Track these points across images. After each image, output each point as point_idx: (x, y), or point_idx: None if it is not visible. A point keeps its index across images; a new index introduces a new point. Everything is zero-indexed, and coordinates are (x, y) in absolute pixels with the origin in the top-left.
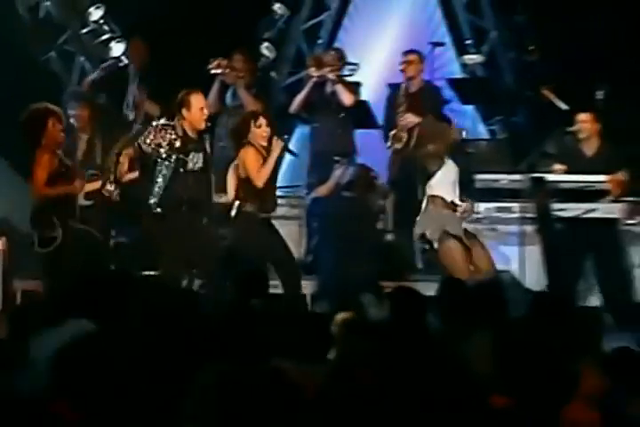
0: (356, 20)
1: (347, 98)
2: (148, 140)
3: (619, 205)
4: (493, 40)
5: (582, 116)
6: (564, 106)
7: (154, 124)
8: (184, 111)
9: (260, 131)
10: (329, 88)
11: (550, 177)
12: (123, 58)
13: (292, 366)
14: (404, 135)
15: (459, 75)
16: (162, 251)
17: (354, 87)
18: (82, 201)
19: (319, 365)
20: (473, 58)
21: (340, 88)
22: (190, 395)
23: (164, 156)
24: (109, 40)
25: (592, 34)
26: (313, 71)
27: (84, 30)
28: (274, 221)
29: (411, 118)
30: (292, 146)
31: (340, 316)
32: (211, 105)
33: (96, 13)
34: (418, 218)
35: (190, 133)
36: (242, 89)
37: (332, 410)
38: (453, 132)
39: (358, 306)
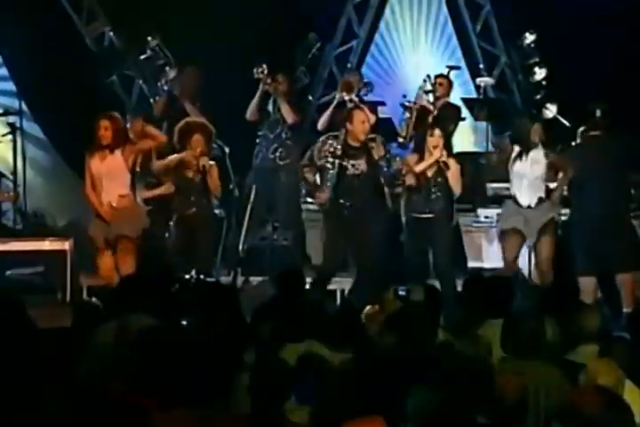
0: (381, 46)
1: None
2: (316, 151)
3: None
4: (503, 64)
5: None
6: (566, 122)
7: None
8: (347, 124)
9: None
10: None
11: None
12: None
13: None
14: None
15: (473, 95)
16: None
17: (374, 106)
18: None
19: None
20: (485, 80)
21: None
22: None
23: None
24: (165, 65)
25: (592, 57)
26: (345, 95)
27: (142, 56)
28: (312, 223)
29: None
30: None
31: (367, 309)
32: (252, 113)
33: (153, 41)
34: None
35: (352, 143)
36: (282, 98)
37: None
38: None
39: (387, 300)
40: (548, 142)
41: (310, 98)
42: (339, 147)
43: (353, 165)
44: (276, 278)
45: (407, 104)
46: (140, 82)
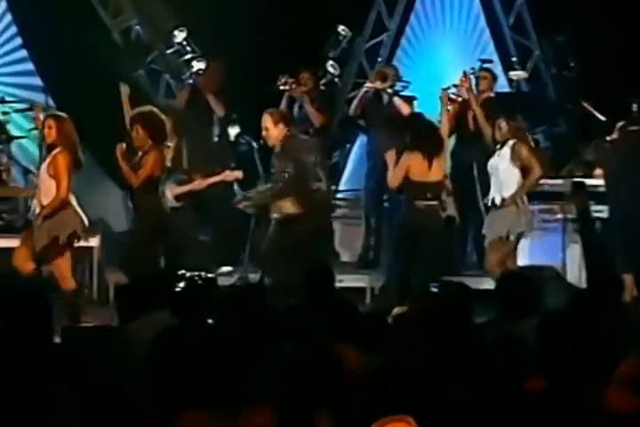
0: (412, 39)
1: (404, 109)
2: None
3: None
4: (536, 58)
5: None
6: (601, 117)
7: None
8: None
9: None
10: (386, 100)
11: (590, 181)
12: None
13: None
14: None
15: (506, 89)
16: None
17: (409, 100)
18: (173, 203)
19: (375, 353)
20: (518, 74)
21: (397, 101)
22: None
23: None
24: (191, 59)
25: (626, 50)
26: (378, 84)
27: (169, 51)
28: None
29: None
30: (352, 153)
31: (396, 309)
32: None
33: (180, 35)
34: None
35: None
36: (307, 103)
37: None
38: None
39: (415, 300)
40: (521, 138)
41: (339, 91)
42: None
43: None
44: (303, 276)
45: (452, 96)
46: (167, 76)
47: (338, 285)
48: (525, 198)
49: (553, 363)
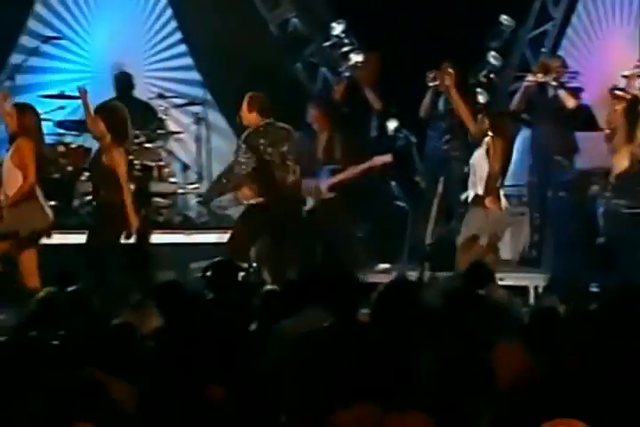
0: (578, 29)
1: (570, 102)
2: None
3: None
4: None
5: None
6: None
7: None
8: None
9: None
10: (551, 93)
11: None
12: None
13: None
14: None
15: None
16: None
17: (575, 92)
18: (327, 194)
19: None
20: None
21: (562, 93)
22: None
23: None
24: (349, 52)
25: None
26: (540, 77)
27: (327, 43)
28: None
29: None
30: (515, 147)
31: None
32: (425, 112)
33: (338, 28)
34: None
35: None
36: (453, 95)
37: None
38: None
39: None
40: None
41: (501, 82)
42: None
43: None
44: (464, 273)
45: (618, 93)
46: (324, 69)
47: (499, 283)
48: (499, 197)
49: None
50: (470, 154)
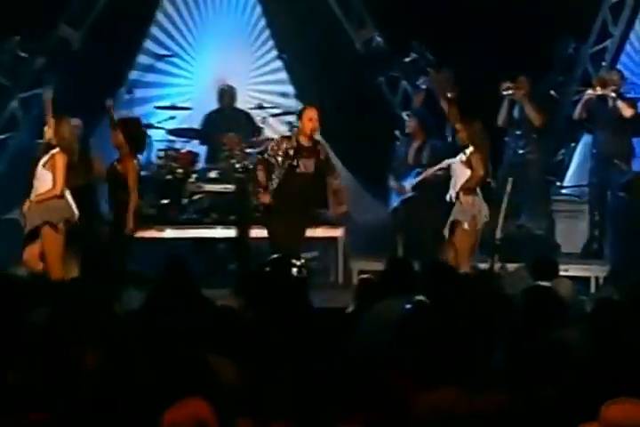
0: (635, 44)
1: (627, 111)
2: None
3: None
4: None
5: None
6: None
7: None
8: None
9: None
10: (610, 103)
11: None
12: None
13: None
14: None
15: None
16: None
17: (633, 102)
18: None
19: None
20: None
21: (620, 103)
22: None
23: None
24: (426, 67)
25: None
26: (598, 90)
27: (407, 59)
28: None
29: None
30: (577, 151)
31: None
32: (502, 121)
33: (416, 45)
34: None
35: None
36: (528, 105)
37: None
38: None
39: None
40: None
41: (564, 93)
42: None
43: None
44: (531, 265)
45: None
46: (404, 82)
47: (563, 273)
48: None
49: None
50: (546, 157)
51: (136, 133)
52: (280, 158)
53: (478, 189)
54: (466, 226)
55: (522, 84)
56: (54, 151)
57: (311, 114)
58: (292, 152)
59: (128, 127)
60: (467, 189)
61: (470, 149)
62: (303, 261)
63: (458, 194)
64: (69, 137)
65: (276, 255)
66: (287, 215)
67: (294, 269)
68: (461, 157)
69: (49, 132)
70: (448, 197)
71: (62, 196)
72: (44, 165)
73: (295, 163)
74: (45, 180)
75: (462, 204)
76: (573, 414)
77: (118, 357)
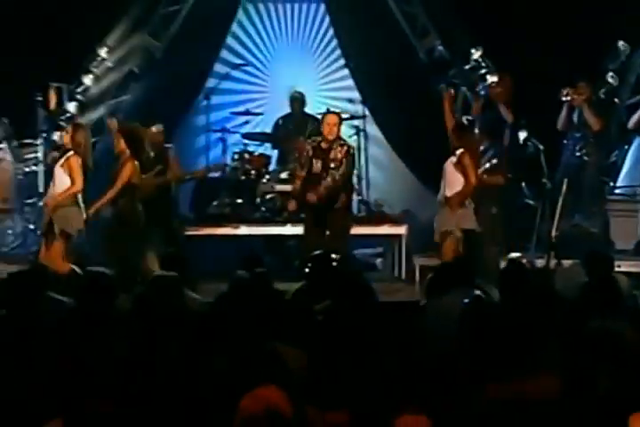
0: None
1: None
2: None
3: None
4: None
5: None
6: None
7: None
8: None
9: None
10: None
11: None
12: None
13: None
14: None
15: None
16: None
17: None
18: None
19: None
20: None
21: None
22: None
23: None
24: (485, 74)
25: None
26: None
27: (467, 66)
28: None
29: None
30: (630, 153)
31: None
32: (562, 125)
33: (476, 53)
34: None
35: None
36: (587, 110)
37: None
38: None
39: None
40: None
41: (617, 101)
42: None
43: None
44: (585, 261)
45: None
46: (464, 88)
47: (616, 269)
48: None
49: None
50: (601, 159)
51: (137, 139)
52: (303, 160)
53: (468, 201)
54: (458, 234)
55: (582, 89)
56: (69, 154)
57: (328, 119)
58: (311, 153)
59: (128, 133)
60: (459, 202)
61: (460, 151)
62: (340, 256)
63: (448, 200)
64: (84, 142)
65: (316, 252)
66: (307, 214)
67: (334, 264)
68: (452, 159)
69: (66, 137)
70: (438, 198)
71: (76, 199)
72: (61, 166)
73: (310, 164)
74: (62, 179)
75: (452, 210)
76: (624, 405)
77: (195, 347)
